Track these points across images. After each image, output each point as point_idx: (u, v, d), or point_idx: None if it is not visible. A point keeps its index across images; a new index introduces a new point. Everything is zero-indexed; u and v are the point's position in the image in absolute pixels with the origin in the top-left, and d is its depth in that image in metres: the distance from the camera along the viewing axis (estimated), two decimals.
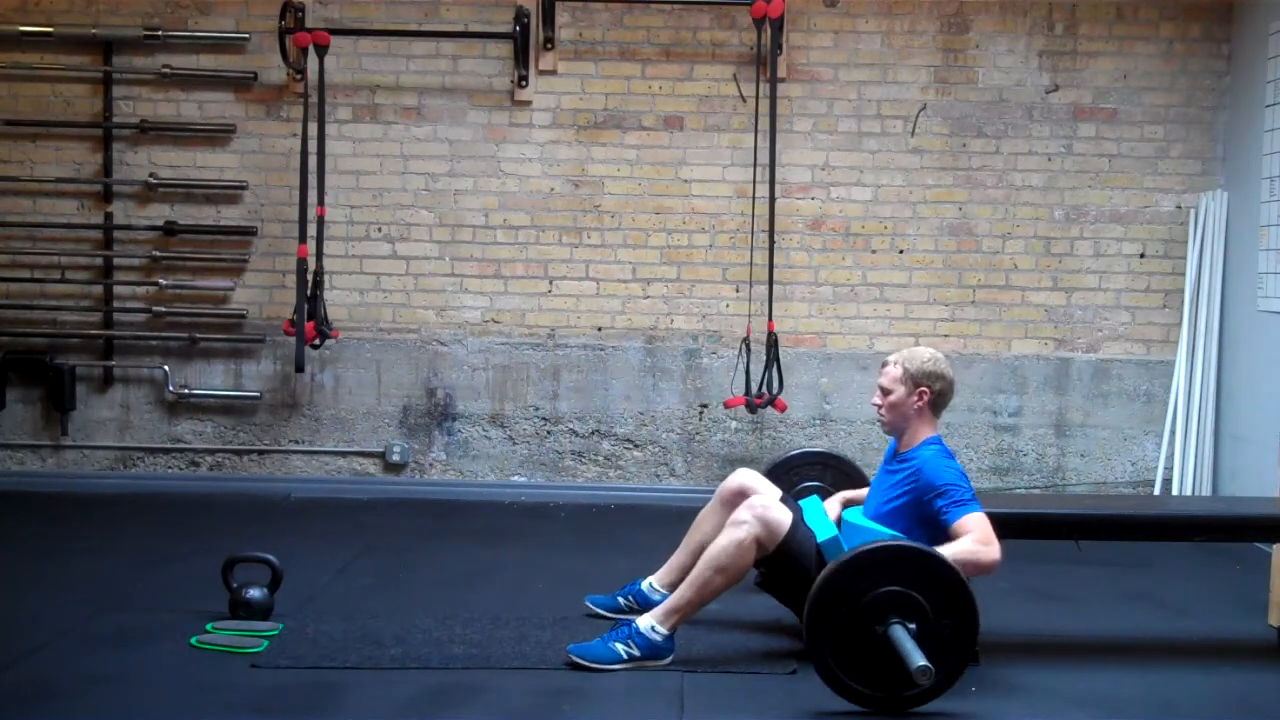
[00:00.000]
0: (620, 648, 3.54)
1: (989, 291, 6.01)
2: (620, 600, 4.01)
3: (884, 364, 3.78)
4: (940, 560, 3.27)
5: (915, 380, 3.67)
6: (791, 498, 3.93)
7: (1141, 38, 5.93)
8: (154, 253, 5.97)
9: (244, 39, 5.97)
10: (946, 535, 3.46)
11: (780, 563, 3.58)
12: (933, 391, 3.68)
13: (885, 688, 3.25)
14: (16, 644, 3.66)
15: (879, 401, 3.74)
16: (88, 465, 6.10)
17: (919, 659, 3.11)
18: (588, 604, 4.05)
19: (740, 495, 3.81)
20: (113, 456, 6.10)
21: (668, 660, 3.57)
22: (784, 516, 3.58)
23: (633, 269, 6.03)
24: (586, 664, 3.52)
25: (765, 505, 3.60)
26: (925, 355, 3.72)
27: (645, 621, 3.57)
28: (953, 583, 3.24)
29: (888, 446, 3.83)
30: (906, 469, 3.64)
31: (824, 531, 3.65)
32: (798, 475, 4.38)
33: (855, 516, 3.78)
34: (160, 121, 5.99)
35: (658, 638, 3.55)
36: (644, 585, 4.00)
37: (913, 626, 3.20)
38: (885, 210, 6.00)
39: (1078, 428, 6.00)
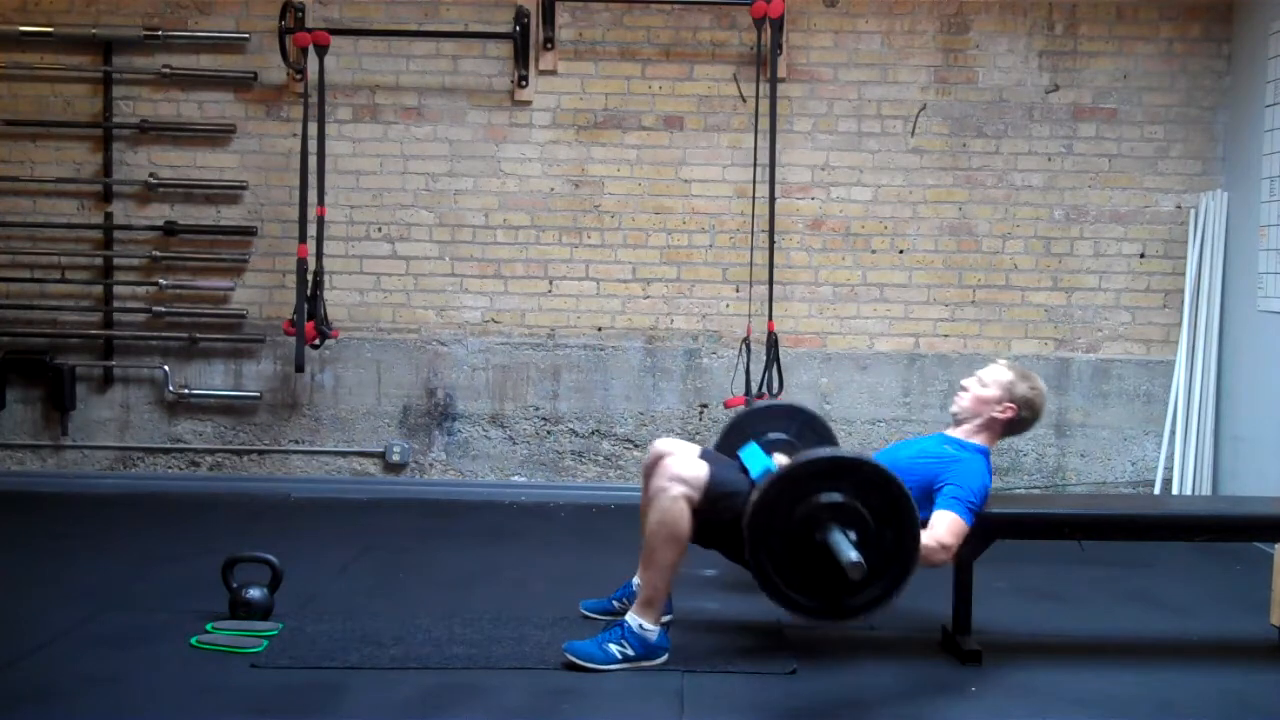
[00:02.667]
0: (614, 648, 3.54)
1: (989, 291, 6.01)
2: (614, 603, 4.00)
3: (999, 362, 3.84)
4: (882, 471, 3.28)
5: (1014, 395, 3.74)
6: (722, 451, 3.92)
7: (1141, 38, 5.93)
8: (154, 253, 5.97)
9: (244, 39, 5.97)
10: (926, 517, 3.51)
11: (711, 511, 3.55)
12: (1018, 415, 3.75)
13: (826, 596, 3.28)
14: (16, 644, 3.66)
15: (969, 387, 3.77)
16: (88, 465, 6.10)
17: (852, 554, 3.14)
18: (583, 610, 4.04)
19: (658, 464, 3.75)
20: (113, 456, 6.10)
21: (663, 659, 3.57)
22: (699, 468, 3.56)
23: (633, 269, 6.04)
24: (581, 663, 3.52)
25: (676, 462, 3.58)
26: (1038, 384, 3.80)
27: (633, 620, 3.56)
28: (894, 494, 3.26)
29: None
30: (950, 451, 3.69)
31: (758, 466, 3.64)
32: (762, 427, 4.30)
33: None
34: (160, 121, 5.99)
35: (650, 636, 3.54)
36: (635, 584, 3.98)
37: (852, 535, 3.21)
38: (885, 210, 6.00)
39: (1078, 428, 6.00)
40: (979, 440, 3.76)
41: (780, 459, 3.80)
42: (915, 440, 3.92)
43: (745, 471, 3.68)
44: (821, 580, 3.29)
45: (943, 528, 3.50)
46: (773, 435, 4.24)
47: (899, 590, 3.33)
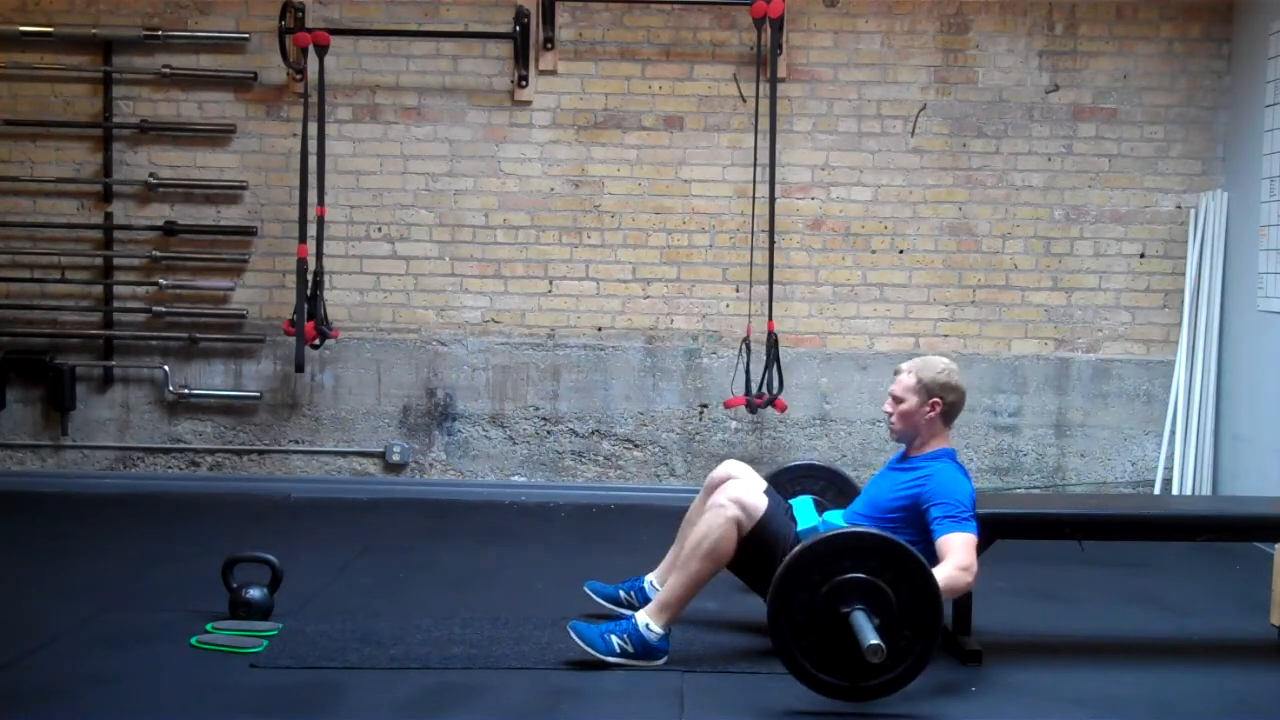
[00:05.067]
0: (616, 641, 3.54)
1: (989, 291, 6.01)
2: (621, 593, 4.00)
3: (897, 371, 3.79)
4: (918, 562, 3.25)
5: (929, 390, 3.69)
6: (779, 493, 3.92)
7: (1141, 38, 5.93)
8: (154, 253, 5.97)
9: (244, 39, 5.97)
10: (931, 546, 3.49)
11: (754, 546, 3.58)
12: (945, 403, 3.70)
13: (844, 675, 3.26)
14: (16, 644, 3.66)
15: (890, 409, 3.75)
16: (88, 465, 6.10)
17: (872, 638, 3.12)
18: (588, 590, 4.03)
19: (723, 483, 3.81)
20: (113, 456, 6.10)
21: (661, 662, 3.57)
22: (760, 500, 3.60)
23: (633, 269, 6.03)
24: (580, 643, 3.53)
25: (741, 488, 3.63)
26: (939, 365, 3.73)
27: (642, 618, 3.57)
28: (925, 585, 3.23)
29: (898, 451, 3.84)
30: (916, 474, 3.66)
31: (806, 521, 3.67)
32: (797, 487, 4.33)
33: (835, 517, 3.80)
34: (160, 121, 5.99)
35: (652, 638, 3.55)
36: (646, 583, 3.99)
37: (877, 621, 3.19)
38: (885, 210, 6.00)
39: (1078, 428, 6.00)
40: (932, 447, 3.72)
41: (830, 522, 3.78)
42: (880, 476, 3.86)
43: (794, 521, 3.71)
44: (840, 658, 3.26)
45: (959, 551, 3.45)
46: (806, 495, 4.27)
47: (919, 669, 3.29)
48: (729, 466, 3.94)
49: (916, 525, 3.56)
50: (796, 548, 3.30)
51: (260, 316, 6.04)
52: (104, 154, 6.00)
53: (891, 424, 3.77)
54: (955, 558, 3.43)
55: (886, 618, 3.20)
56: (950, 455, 3.71)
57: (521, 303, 6.04)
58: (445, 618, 3.97)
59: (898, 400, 3.73)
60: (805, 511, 3.77)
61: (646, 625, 3.56)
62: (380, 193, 6.02)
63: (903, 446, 3.81)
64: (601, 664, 3.53)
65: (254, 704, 3.26)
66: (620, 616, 3.75)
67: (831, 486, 4.32)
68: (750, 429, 6.01)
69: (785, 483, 4.29)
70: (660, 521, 5.12)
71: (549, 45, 5.93)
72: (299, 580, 4.22)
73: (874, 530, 3.39)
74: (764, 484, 3.86)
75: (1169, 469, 5.87)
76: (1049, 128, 5.96)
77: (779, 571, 3.26)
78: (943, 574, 3.35)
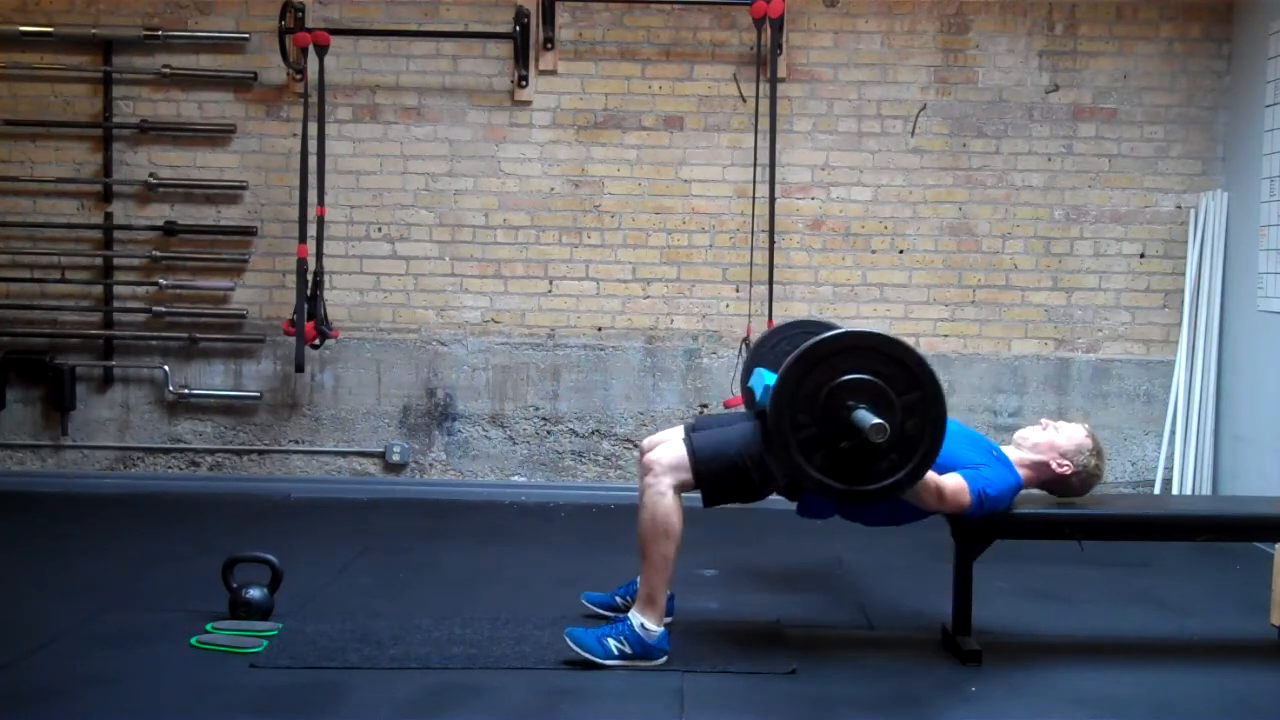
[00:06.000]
0: (613, 644, 3.54)
1: (989, 291, 6.01)
2: (617, 599, 4.00)
3: (1084, 425, 3.85)
4: (908, 349, 3.36)
5: (1077, 461, 3.76)
6: (700, 423, 3.98)
7: (1141, 38, 5.93)
8: (154, 253, 5.97)
9: (244, 39, 5.97)
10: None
11: (710, 474, 3.58)
12: (1067, 478, 3.77)
13: (856, 478, 3.35)
14: (16, 644, 3.66)
15: (1048, 427, 3.81)
16: (88, 465, 6.10)
17: (873, 418, 3.20)
18: (584, 601, 4.05)
19: (644, 462, 3.76)
20: (113, 456, 6.10)
21: (660, 661, 3.57)
22: (676, 449, 3.60)
23: (633, 269, 6.04)
24: (578, 650, 3.53)
25: (659, 453, 3.62)
26: (1102, 465, 3.81)
27: (635, 618, 3.57)
28: (910, 364, 3.33)
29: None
30: (996, 458, 3.70)
31: (760, 388, 3.68)
32: (788, 344, 4.25)
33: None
34: (160, 121, 5.99)
35: (649, 637, 3.55)
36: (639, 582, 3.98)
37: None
38: (885, 210, 6.00)
39: None
40: (1023, 472, 3.76)
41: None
42: (974, 432, 3.91)
43: (725, 424, 3.75)
44: (852, 464, 3.33)
45: (948, 481, 3.52)
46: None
47: (927, 465, 3.37)
48: (644, 443, 3.91)
49: (948, 466, 3.59)
50: (787, 362, 3.36)
51: (260, 316, 6.04)
52: (104, 154, 6.00)
53: (1034, 430, 3.82)
54: (946, 481, 3.51)
55: (887, 409, 3.28)
56: (1019, 483, 3.73)
57: (521, 303, 6.04)
58: (445, 618, 3.97)
59: (1061, 434, 3.78)
60: (759, 381, 3.77)
61: (641, 625, 3.55)
62: (380, 193, 6.02)
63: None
64: (602, 666, 3.53)
65: (254, 704, 3.26)
66: (617, 620, 3.73)
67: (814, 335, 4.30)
68: None
69: (770, 348, 4.27)
70: None
71: (549, 45, 5.93)
72: (299, 580, 4.22)
73: (860, 329, 3.50)
74: (680, 430, 3.86)
75: (1169, 469, 5.87)
76: (1049, 128, 5.96)
77: (776, 385, 3.35)
78: (936, 476, 3.46)
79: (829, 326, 4.27)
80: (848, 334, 3.44)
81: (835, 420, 3.32)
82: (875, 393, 3.30)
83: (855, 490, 3.37)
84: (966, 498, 3.54)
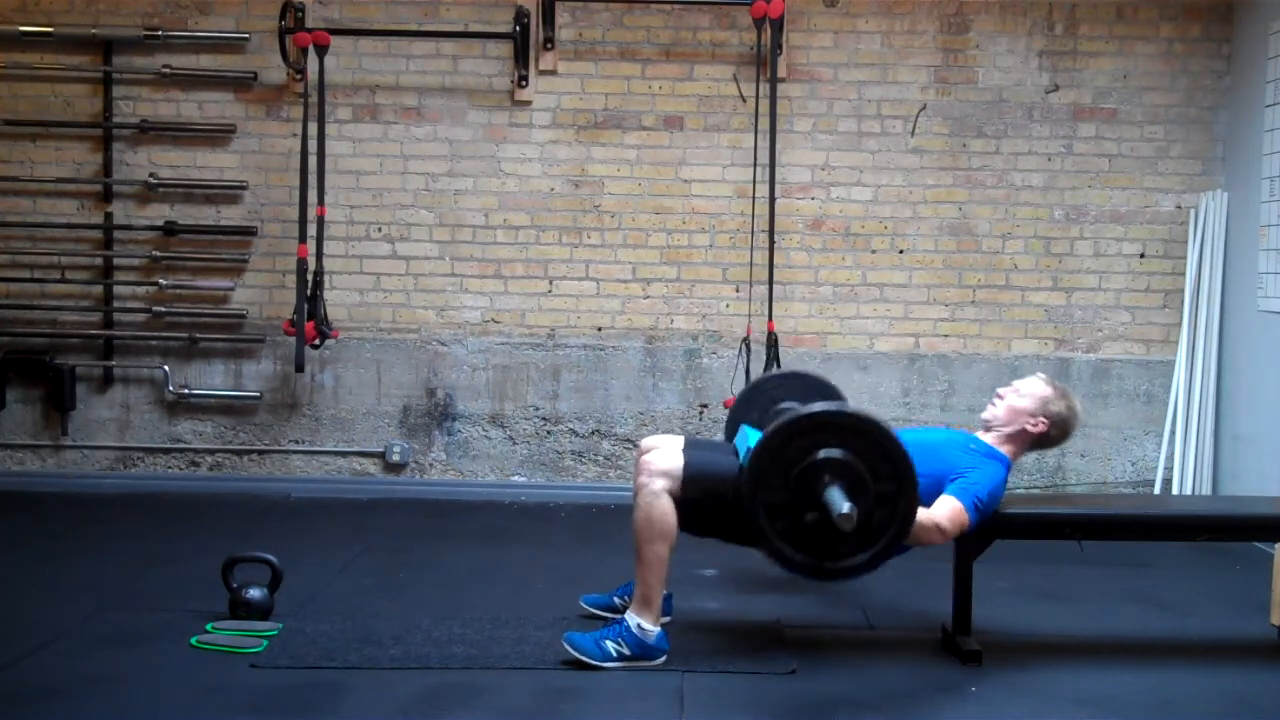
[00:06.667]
0: (611, 646, 3.54)
1: (989, 291, 6.01)
2: (615, 600, 4.00)
3: (1039, 376, 3.85)
4: (886, 432, 3.33)
5: (1047, 412, 3.74)
6: (758, 401, 4.01)
7: (1141, 38, 5.93)
8: (154, 253, 5.97)
9: (244, 39, 5.97)
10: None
11: (698, 496, 3.57)
12: (1048, 431, 3.75)
13: (816, 552, 3.34)
14: (16, 644, 3.66)
15: (1005, 395, 3.79)
16: (88, 465, 6.10)
17: (844, 505, 3.18)
18: (583, 604, 4.05)
19: (642, 465, 3.74)
20: (113, 456, 6.10)
21: (660, 660, 3.56)
22: (676, 459, 3.59)
23: (633, 269, 6.04)
24: (577, 655, 3.53)
25: (656, 458, 3.61)
26: (1073, 405, 3.79)
27: (632, 618, 3.56)
28: (895, 456, 3.31)
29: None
30: (974, 452, 3.69)
31: (744, 447, 3.67)
32: (770, 396, 4.29)
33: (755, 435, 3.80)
34: (160, 121, 5.99)
35: (647, 637, 3.54)
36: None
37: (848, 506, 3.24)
38: (885, 210, 6.00)
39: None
40: (1004, 449, 3.75)
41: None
42: (943, 430, 3.91)
43: (737, 454, 3.72)
44: (814, 538, 3.32)
45: (943, 511, 3.50)
46: (784, 404, 4.19)
47: (887, 556, 3.37)
48: (643, 443, 3.91)
49: (936, 485, 3.57)
50: (768, 430, 3.36)
51: (260, 316, 6.04)
52: (104, 154, 6.00)
53: (994, 406, 3.81)
54: (936, 513, 3.49)
55: (860, 489, 3.27)
56: (1008, 463, 3.73)
57: (521, 303, 6.04)
58: (445, 618, 3.97)
59: (1020, 395, 3.77)
60: (744, 439, 3.75)
61: (639, 625, 3.55)
62: (380, 193, 6.02)
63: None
64: (601, 669, 3.53)
65: (254, 704, 3.26)
66: (614, 621, 3.73)
67: (800, 388, 4.29)
68: None
69: (756, 399, 4.28)
70: None
71: (549, 45, 5.93)
72: (299, 580, 4.22)
73: (833, 406, 3.48)
74: (681, 441, 3.84)
75: (1169, 469, 5.87)
76: (1049, 128, 5.96)
77: (754, 451, 3.34)
78: (923, 511, 3.42)
79: (825, 384, 4.33)
80: (846, 413, 3.41)
81: (808, 492, 3.30)
82: (854, 475, 3.28)
83: (811, 563, 3.37)
84: (965, 517, 3.52)
